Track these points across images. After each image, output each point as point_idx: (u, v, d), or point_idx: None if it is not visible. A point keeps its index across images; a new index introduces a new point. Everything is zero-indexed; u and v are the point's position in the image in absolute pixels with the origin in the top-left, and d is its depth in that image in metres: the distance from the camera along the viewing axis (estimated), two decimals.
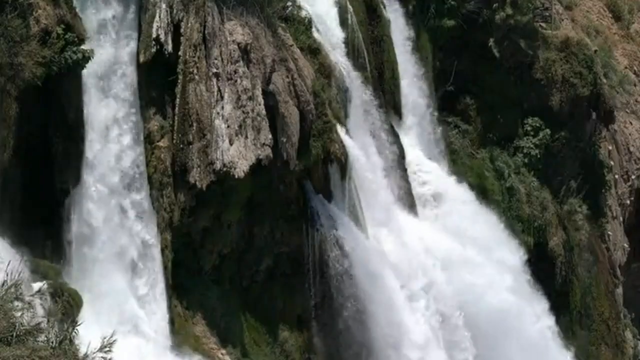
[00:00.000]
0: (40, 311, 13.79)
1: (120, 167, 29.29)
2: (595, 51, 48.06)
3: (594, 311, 46.69)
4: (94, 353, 12.59)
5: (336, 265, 34.00)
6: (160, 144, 30.16)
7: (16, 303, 12.99)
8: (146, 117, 30.02)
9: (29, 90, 26.40)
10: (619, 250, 50.06)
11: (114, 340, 12.80)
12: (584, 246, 46.72)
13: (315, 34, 35.87)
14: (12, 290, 13.04)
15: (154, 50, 29.65)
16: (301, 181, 33.88)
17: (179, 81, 30.26)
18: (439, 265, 37.35)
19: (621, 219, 50.68)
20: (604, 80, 47.98)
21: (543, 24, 47.80)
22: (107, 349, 12.67)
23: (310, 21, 35.59)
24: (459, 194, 41.47)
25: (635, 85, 54.26)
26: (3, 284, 13.53)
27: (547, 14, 48.18)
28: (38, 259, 26.95)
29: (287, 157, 31.99)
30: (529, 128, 45.59)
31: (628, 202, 51.77)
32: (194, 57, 30.38)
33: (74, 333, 13.53)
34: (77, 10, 28.16)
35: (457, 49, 44.13)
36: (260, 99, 31.40)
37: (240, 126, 30.79)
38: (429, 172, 41.04)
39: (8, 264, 15.27)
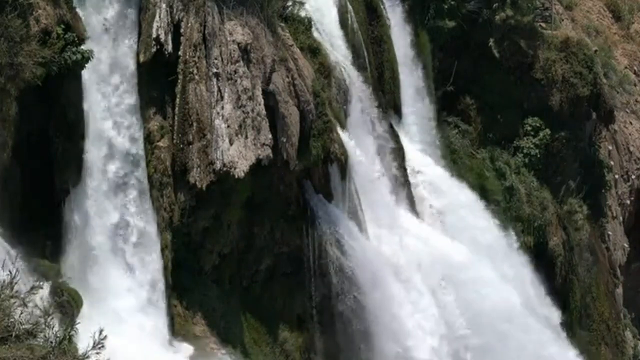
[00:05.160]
0: (38, 310, 13.78)
1: (120, 167, 29.29)
2: (595, 51, 48.08)
3: (594, 311, 46.70)
4: (89, 351, 12.61)
5: (336, 265, 34.00)
6: (160, 144, 30.17)
7: (13, 301, 13.00)
8: (146, 117, 30.03)
9: (29, 90, 26.40)
10: (619, 250, 50.09)
11: (105, 337, 12.83)
12: (584, 246, 46.73)
13: (315, 34, 35.88)
14: (9, 289, 13.04)
15: (154, 50, 29.67)
16: (301, 181, 33.88)
17: (179, 81, 30.27)
18: (439, 265, 37.35)
19: (621, 219, 50.71)
20: (604, 80, 48.00)
21: (543, 24, 47.83)
22: (100, 345, 12.70)
23: (310, 21, 35.60)
24: (459, 193, 41.47)
25: (635, 85, 54.30)
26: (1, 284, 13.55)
27: (547, 14, 48.22)
28: (38, 259, 26.95)
29: (287, 157, 31.99)
30: (529, 128, 45.63)
31: (628, 202, 51.80)
32: (194, 57, 30.39)
33: (73, 332, 13.55)
34: (77, 10, 28.17)
35: (457, 49, 44.15)
36: (260, 99, 31.40)
37: (240, 126, 30.79)
38: (429, 172, 41.04)
39: (3, 263, 15.28)
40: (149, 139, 30.00)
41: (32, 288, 13.52)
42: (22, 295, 13.24)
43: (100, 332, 12.88)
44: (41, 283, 22.56)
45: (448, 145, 43.42)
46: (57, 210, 28.17)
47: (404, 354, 35.20)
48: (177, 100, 30.28)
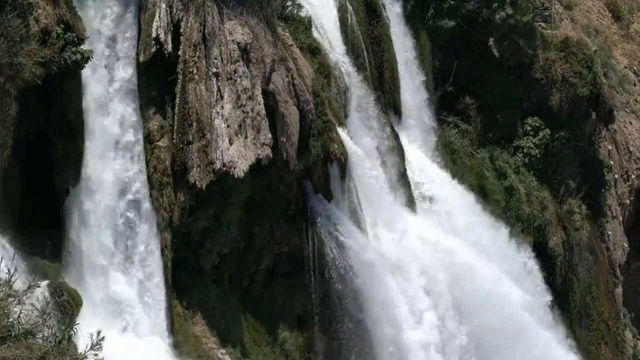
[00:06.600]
0: (37, 310, 13.80)
1: (120, 167, 29.30)
2: (595, 51, 48.08)
3: (594, 311, 46.70)
4: (87, 352, 12.63)
5: (336, 265, 34.01)
6: (160, 144, 30.17)
7: (10, 300, 13.01)
8: (146, 117, 30.03)
9: (29, 90, 26.41)
10: (619, 250, 50.08)
11: (103, 338, 12.85)
12: (584, 246, 46.73)
13: (315, 34, 35.88)
14: (7, 288, 13.06)
15: (154, 50, 29.67)
16: (301, 181, 33.90)
17: (179, 81, 30.27)
18: (439, 265, 37.35)
19: (621, 219, 50.70)
20: (604, 80, 48.00)
21: (543, 24, 47.82)
22: (98, 346, 12.72)
23: (310, 21, 35.61)
24: (459, 193, 41.48)
25: (635, 85, 54.28)
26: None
27: (547, 14, 48.21)
28: (38, 259, 26.96)
29: (287, 157, 32.01)
30: (529, 128, 45.63)
31: (628, 202, 51.78)
32: (194, 57, 30.39)
33: (72, 332, 13.55)
34: (77, 10, 28.18)
35: (457, 49, 44.14)
36: (260, 99, 31.41)
37: (240, 126, 30.80)
38: (429, 172, 41.05)
39: (0, 262, 15.30)
40: (149, 139, 30.00)
41: (30, 287, 13.53)
42: (19, 295, 13.24)
43: (99, 334, 12.89)
44: (38, 282, 22.59)
45: (448, 145, 43.41)
46: (57, 210, 28.18)
47: (403, 353, 35.20)
48: (177, 100, 30.28)
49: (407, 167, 39.24)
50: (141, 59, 29.50)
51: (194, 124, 30.27)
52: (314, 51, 35.27)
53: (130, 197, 29.49)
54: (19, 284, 14.15)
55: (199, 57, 30.47)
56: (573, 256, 45.88)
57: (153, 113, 30.26)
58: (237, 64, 31.07)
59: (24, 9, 26.25)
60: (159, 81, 30.38)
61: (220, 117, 30.51)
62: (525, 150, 45.37)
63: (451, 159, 43.11)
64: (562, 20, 50.71)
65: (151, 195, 29.79)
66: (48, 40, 26.81)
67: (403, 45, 41.61)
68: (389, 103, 40.00)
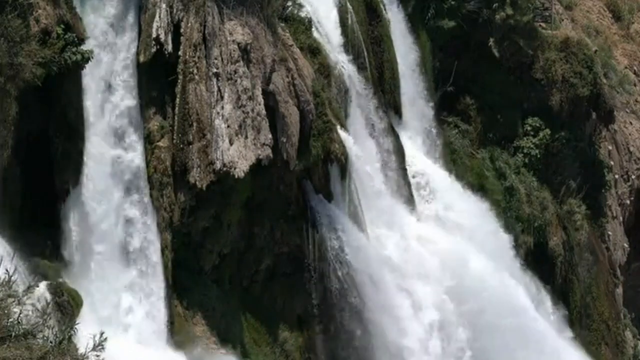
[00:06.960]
0: (37, 310, 13.80)
1: (120, 166, 29.30)
2: (595, 51, 48.10)
3: (594, 311, 46.71)
4: (88, 352, 12.63)
5: (336, 265, 34.01)
6: (160, 144, 30.17)
7: (10, 300, 13.01)
8: (146, 117, 30.03)
9: (29, 90, 26.40)
10: (619, 250, 50.09)
11: (105, 339, 12.86)
12: (584, 246, 46.75)
13: (315, 34, 35.89)
14: (6, 288, 13.06)
15: (154, 50, 29.66)
16: (301, 181, 33.90)
17: (179, 81, 30.27)
18: (438, 264, 37.35)
19: (621, 219, 50.72)
20: (604, 80, 48.03)
21: (543, 24, 47.85)
22: (100, 347, 12.72)
23: (310, 21, 35.62)
24: (458, 193, 41.48)
25: (635, 85, 54.30)
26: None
27: (547, 14, 48.24)
28: (38, 259, 26.95)
29: (287, 157, 32.02)
30: (529, 128, 45.66)
31: (628, 202, 51.80)
32: (194, 57, 30.39)
33: (72, 332, 13.55)
34: (77, 10, 28.17)
35: (457, 49, 44.17)
36: (260, 99, 31.41)
37: (240, 126, 30.80)
38: (429, 172, 41.05)
39: (0, 262, 15.29)
40: (149, 139, 30.00)
41: (30, 287, 13.53)
42: (19, 295, 13.24)
43: (101, 334, 12.89)
44: (38, 282, 22.60)
45: (448, 145, 43.42)
46: (57, 210, 28.16)
47: (402, 354, 35.19)
48: (177, 100, 30.28)
49: (407, 167, 39.25)
50: (141, 59, 29.49)
51: (194, 124, 30.27)
52: (314, 51, 35.28)
53: (130, 196, 29.50)
54: (19, 284, 14.15)
55: (199, 57, 30.46)
56: (573, 256, 45.90)
57: (153, 113, 30.27)
58: (237, 64, 31.07)
59: (24, 9, 26.24)
60: (159, 81, 30.38)
61: (220, 117, 30.51)
62: (525, 150, 45.40)
63: (451, 158, 43.13)
64: (562, 20, 50.74)
65: (151, 195, 29.80)
66: (48, 40, 26.80)
67: (403, 45, 41.63)
68: (389, 103, 40.01)
